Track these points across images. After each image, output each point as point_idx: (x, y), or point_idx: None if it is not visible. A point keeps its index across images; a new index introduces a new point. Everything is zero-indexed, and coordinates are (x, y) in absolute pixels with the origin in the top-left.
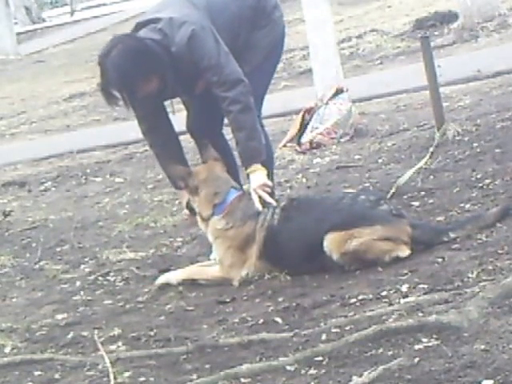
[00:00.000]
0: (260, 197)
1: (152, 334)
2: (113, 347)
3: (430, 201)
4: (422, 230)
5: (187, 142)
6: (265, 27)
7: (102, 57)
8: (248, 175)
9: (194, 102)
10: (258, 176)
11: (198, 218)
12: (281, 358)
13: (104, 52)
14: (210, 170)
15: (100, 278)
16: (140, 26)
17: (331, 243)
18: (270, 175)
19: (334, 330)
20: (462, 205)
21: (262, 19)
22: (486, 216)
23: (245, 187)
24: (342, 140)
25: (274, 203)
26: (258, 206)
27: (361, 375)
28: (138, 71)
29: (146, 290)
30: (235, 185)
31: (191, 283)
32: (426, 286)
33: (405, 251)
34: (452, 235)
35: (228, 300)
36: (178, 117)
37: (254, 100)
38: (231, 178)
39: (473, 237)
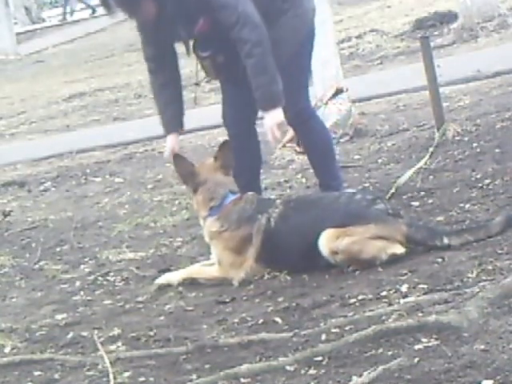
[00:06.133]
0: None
1: (152, 334)
2: (112, 347)
3: (430, 201)
4: (417, 228)
5: (187, 141)
6: (292, 18)
7: None
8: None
9: (230, 93)
10: (274, 113)
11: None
12: (280, 358)
13: None
14: (213, 170)
15: (100, 278)
16: None
17: (323, 240)
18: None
19: (333, 330)
20: (461, 205)
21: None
22: (490, 227)
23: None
24: (341, 140)
25: (281, 143)
26: (274, 143)
27: (361, 375)
28: None
29: (146, 290)
30: (234, 189)
31: (191, 283)
32: (425, 286)
33: (399, 249)
34: (445, 240)
35: (228, 300)
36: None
37: (298, 93)
38: (253, 176)
39: None
